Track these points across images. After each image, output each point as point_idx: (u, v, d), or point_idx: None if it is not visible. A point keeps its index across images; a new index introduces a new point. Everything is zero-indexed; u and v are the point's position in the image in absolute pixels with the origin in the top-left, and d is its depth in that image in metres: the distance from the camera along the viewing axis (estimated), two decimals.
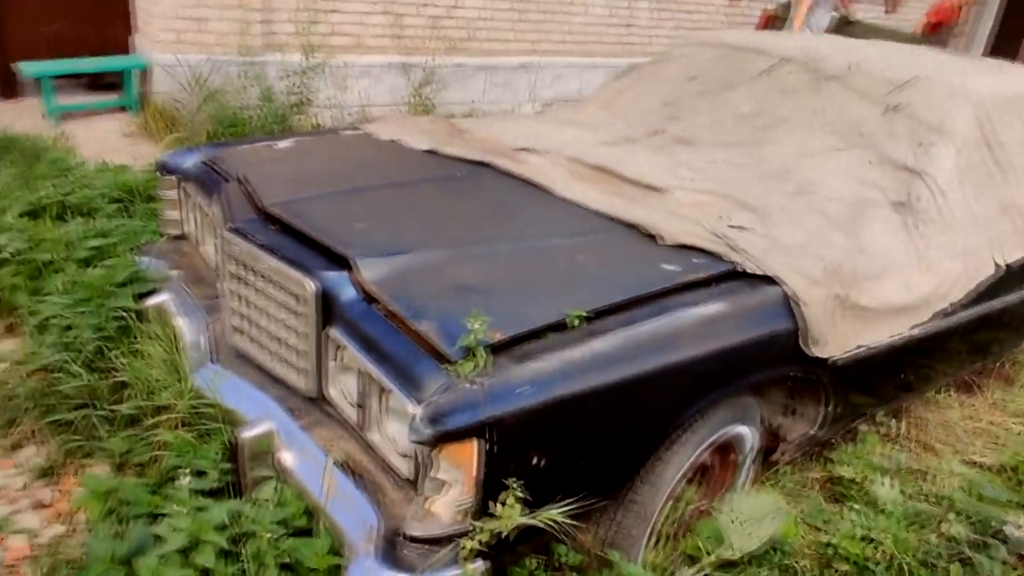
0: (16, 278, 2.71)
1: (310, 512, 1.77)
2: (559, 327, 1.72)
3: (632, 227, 2.21)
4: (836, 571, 2.16)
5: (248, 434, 1.86)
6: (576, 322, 1.73)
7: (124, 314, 2.37)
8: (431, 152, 2.79)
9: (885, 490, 2.35)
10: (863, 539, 2.20)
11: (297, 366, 2.02)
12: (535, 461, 1.62)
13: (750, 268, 2.05)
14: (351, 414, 1.88)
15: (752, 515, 1.94)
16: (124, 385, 2.30)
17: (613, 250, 2.09)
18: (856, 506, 2.36)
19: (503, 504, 1.54)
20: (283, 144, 2.92)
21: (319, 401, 2.01)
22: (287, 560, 1.66)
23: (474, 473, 1.55)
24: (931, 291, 2.38)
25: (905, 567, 2.11)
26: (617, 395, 1.70)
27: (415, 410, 1.58)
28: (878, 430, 2.79)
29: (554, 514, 1.59)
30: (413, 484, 1.69)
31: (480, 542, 1.54)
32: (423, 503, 1.61)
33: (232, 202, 2.27)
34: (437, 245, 2.00)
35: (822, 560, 2.20)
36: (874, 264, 2.27)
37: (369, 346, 1.76)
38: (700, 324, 1.86)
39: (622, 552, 1.94)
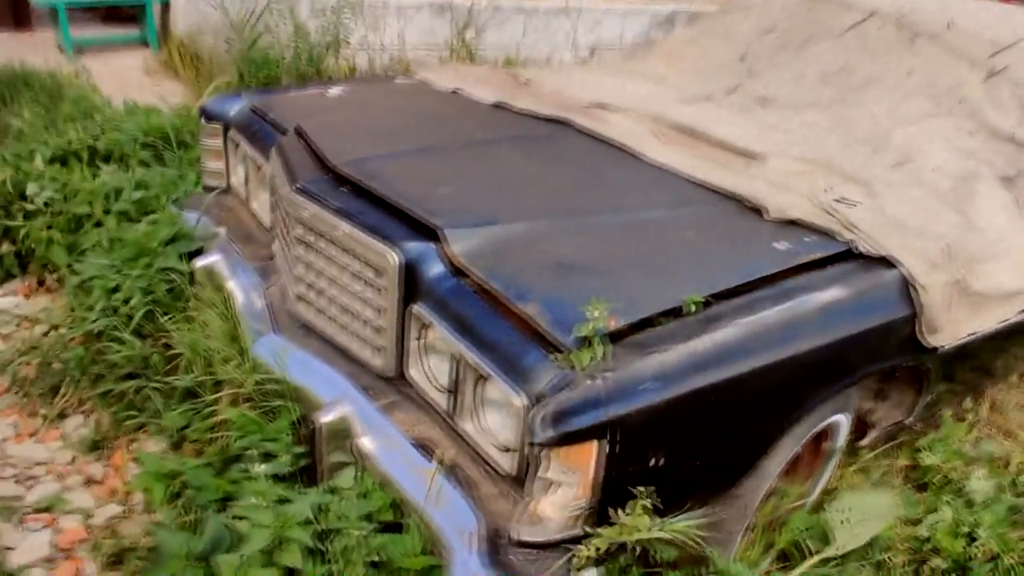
0: (50, 231, 2.53)
1: (396, 506, 1.63)
2: (675, 313, 1.56)
3: (733, 198, 2.03)
4: (933, 569, 2.04)
5: (327, 418, 1.70)
6: (693, 308, 1.56)
7: (174, 276, 2.20)
8: (499, 106, 2.58)
9: (980, 483, 2.22)
10: (961, 535, 2.07)
11: (373, 343, 1.87)
12: (653, 462, 1.47)
13: (866, 248, 1.87)
14: (438, 399, 1.72)
15: (865, 514, 1.81)
16: (175, 354, 2.14)
17: (719, 225, 1.91)
18: (948, 498, 2.23)
19: (626, 512, 1.39)
20: (335, 92, 2.71)
21: (395, 380, 1.86)
22: (376, 558, 1.52)
23: (591, 475, 1.40)
24: None
25: (1012, 567, 1.99)
26: (740, 389, 1.55)
27: (523, 403, 1.43)
28: (956, 414, 2.65)
29: (683, 526, 1.45)
30: (514, 481, 1.55)
31: (597, 549, 1.41)
32: (530, 504, 1.47)
33: (293, 158, 2.08)
34: (529, 215, 1.82)
35: (917, 556, 2.08)
36: (987, 245, 2.09)
37: (463, 327, 1.60)
38: (822, 311, 1.69)
39: (718, 547, 1.81)
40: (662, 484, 1.51)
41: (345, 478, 1.71)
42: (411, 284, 1.72)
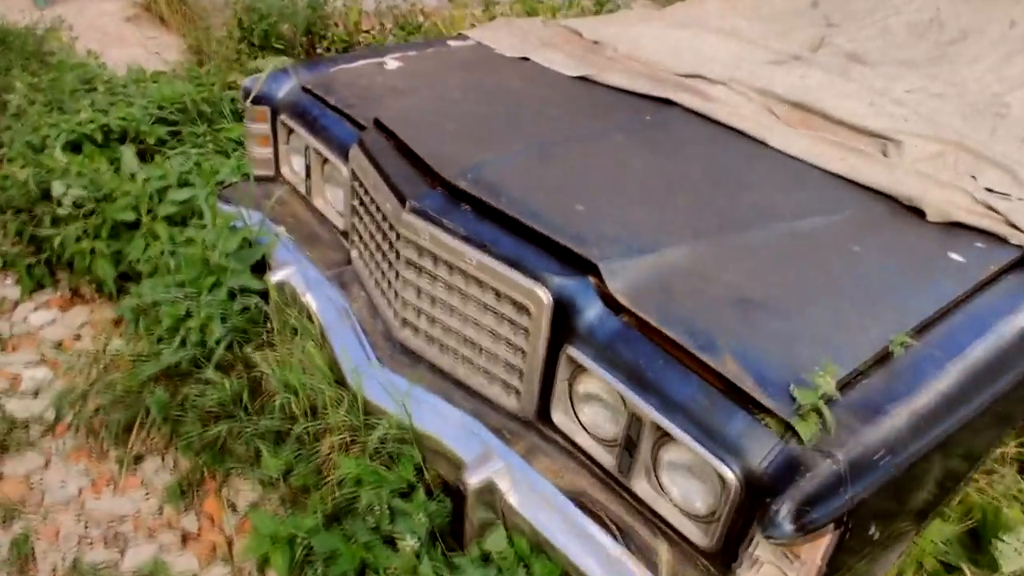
0: (90, 240, 2.22)
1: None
2: (883, 358, 1.38)
3: (882, 194, 1.83)
4: None
5: (476, 479, 1.52)
6: (901, 349, 1.39)
7: (252, 297, 1.94)
8: (585, 79, 2.30)
9: None
10: None
11: (508, 383, 1.67)
12: (875, 534, 1.33)
13: None
14: (597, 452, 1.55)
15: None
16: (259, 386, 1.91)
17: (882, 233, 1.71)
18: None
19: None
20: (393, 64, 2.41)
21: (532, 422, 1.67)
22: None
23: (819, 562, 1.25)
24: None
25: None
26: (956, 442, 1.40)
27: (734, 478, 1.26)
28: None
29: None
30: (708, 554, 1.39)
31: None
32: None
33: (389, 166, 1.81)
34: (684, 234, 1.60)
35: None
36: None
37: (638, 380, 1.40)
38: (1021, 337, 1.53)
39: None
40: (875, 549, 1.38)
41: (496, 541, 1.54)
42: (561, 324, 1.52)
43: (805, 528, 1.18)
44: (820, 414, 1.23)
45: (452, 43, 2.65)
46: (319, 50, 4.02)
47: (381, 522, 1.61)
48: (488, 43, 2.63)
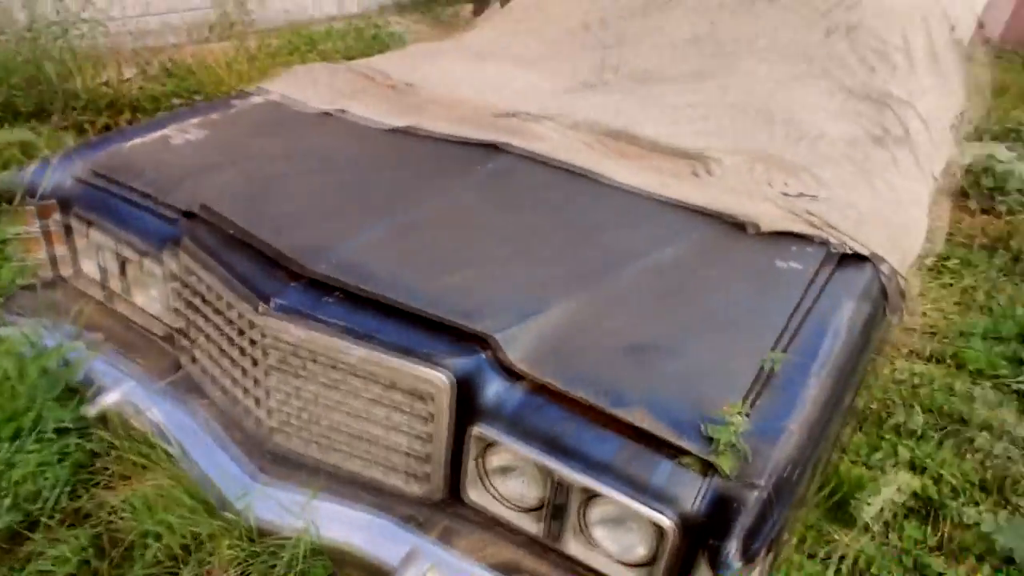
0: None
1: None
2: (764, 379, 1.50)
3: (714, 215, 1.98)
4: None
5: None
6: (778, 365, 1.52)
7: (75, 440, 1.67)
8: (408, 131, 2.25)
9: None
10: None
11: (410, 470, 1.59)
12: (788, 538, 1.45)
13: (851, 249, 1.93)
14: (521, 522, 1.52)
15: None
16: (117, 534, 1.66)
17: (722, 252, 1.86)
18: None
19: None
20: (195, 132, 2.18)
21: (442, 503, 1.61)
22: None
23: None
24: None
25: None
26: (836, 435, 1.56)
27: (671, 524, 1.31)
28: None
29: None
30: None
31: None
32: None
33: (231, 261, 1.64)
34: (556, 289, 1.62)
35: None
36: (910, 219, 2.26)
37: (554, 445, 1.41)
38: (863, 327, 1.74)
39: None
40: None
41: None
42: (464, 403, 1.47)
43: (751, 558, 1.25)
44: (736, 448, 1.32)
45: (253, 100, 2.45)
46: (76, 112, 3.54)
47: None
48: (293, 96, 2.47)
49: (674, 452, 1.35)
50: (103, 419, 1.75)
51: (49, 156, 2.02)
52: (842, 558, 1.95)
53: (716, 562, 1.25)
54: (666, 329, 1.57)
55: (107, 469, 1.70)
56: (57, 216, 1.99)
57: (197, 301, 1.73)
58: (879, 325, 1.90)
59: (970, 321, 3.09)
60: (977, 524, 2.14)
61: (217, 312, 1.67)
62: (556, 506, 1.45)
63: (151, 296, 1.94)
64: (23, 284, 2.07)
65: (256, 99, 2.46)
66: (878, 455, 2.33)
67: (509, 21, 3.31)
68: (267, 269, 1.62)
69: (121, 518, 1.60)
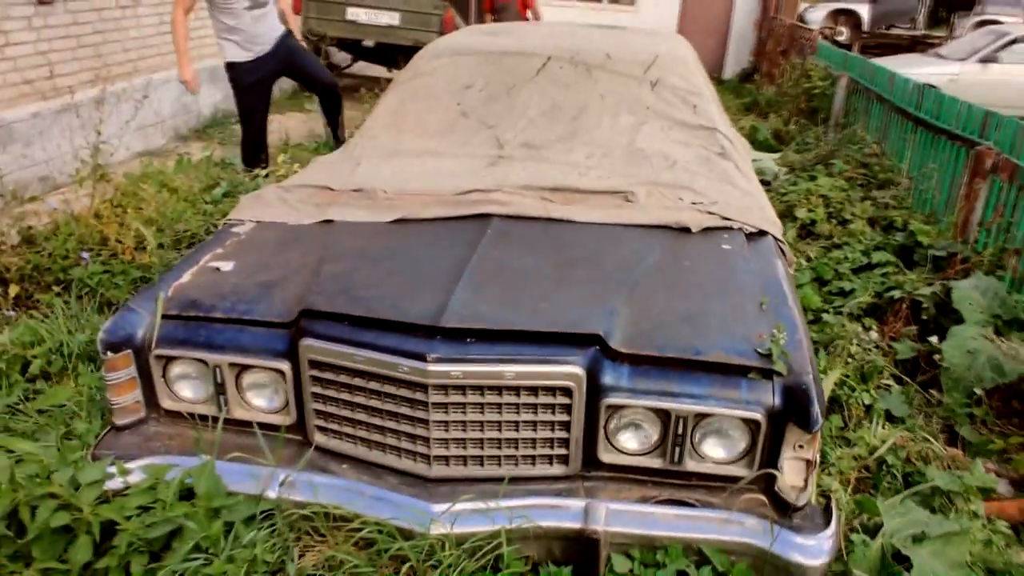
0: None
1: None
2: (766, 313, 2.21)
3: (666, 227, 2.70)
4: None
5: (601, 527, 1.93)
6: (766, 305, 2.24)
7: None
8: (404, 221, 2.72)
9: None
10: None
11: (552, 455, 2.08)
12: None
13: (749, 229, 2.75)
14: (647, 462, 2.08)
15: None
16: None
17: (686, 249, 2.57)
18: None
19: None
20: (222, 263, 2.46)
21: (573, 478, 2.11)
22: None
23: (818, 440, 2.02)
24: None
25: None
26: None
27: (763, 416, 1.96)
28: None
29: None
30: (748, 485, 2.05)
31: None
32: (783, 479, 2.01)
33: (367, 337, 2.04)
34: (610, 296, 2.21)
35: None
36: (766, 205, 3.16)
37: (665, 393, 2.00)
38: (788, 278, 2.53)
39: None
40: None
41: (622, 564, 1.96)
42: (591, 387, 2.01)
43: (821, 415, 1.93)
44: (784, 355, 2.00)
45: (245, 227, 2.75)
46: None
47: None
48: (273, 219, 2.81)
49: (744, 371, 2.01)
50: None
51: (120, 311, 2.23)
52: None
53: (807, 422, 1.91)
54: (693, 301, 2.24)
55: (299, 540, 1.98)
56: (131, 364, 2.20)
57: (342, 379, 2.08)
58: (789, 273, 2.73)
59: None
60: None
61: (371, 379, 2.04)
62: (675, 436, 2.03)
63: (265, 398, 2.22)
64: (120, 425, 2.22)
65: (247, 226, 2.77)
66: None
67: (389, 127, 3.82)
68: (399, 338, 2.04)
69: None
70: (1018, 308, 3.50)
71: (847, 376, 3.17)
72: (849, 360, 3.29)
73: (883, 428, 2.89)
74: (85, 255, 3.72)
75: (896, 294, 3.78)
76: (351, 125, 8.00)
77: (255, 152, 5.46)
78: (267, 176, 4.67)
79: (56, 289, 3.65)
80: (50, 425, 2.58)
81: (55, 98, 5.57)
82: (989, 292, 3.53)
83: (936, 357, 3.27)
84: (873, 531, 2.30)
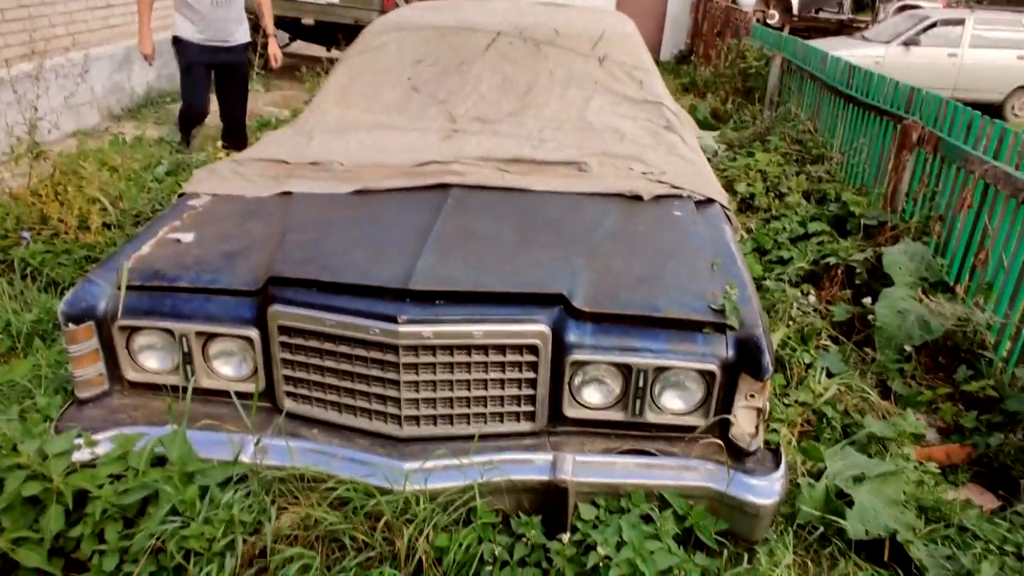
0: None
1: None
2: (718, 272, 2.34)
3: (617, 195, 2.80)
4: None
5: (568, 478, 2.02)
6: (717, 265, 2.36)
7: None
8: (362, 192, 2.74)
9: None
10: None
11: (520, 411, 2.17)
12: None
13: (697, 197, 2.88)
14: (610, 415, 2.18)
15: None
16: None
17: (640, 215, 2.67)
18: None
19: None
20: (182, 235, 2.45)
21: (543, 432, 2.20)
22: None
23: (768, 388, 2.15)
24: None
25: None
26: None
27: (718, 367, 2.08)
28: None
29: None
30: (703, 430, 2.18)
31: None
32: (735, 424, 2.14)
33: (336, 302, 2.08)
34: (572, 258, 2.30)
35: None
36: (711, 175, 3.29)
37: (626, 348, 2.10)
38: (734, 242, 2.66)
39: None
40: None
41: (588, 511, 2.07)
42: (556, 345, 2.10)
43: (771, 367, 2.06)
44: (737, 310, 2.12)
45: (202, 200, 2.74)
46: None
47: None
48: (230, 191, 2.80)
49: (700, 326, 2.12)
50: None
51: (78, 283, 2.21)
52: None
53: (758, 372, 2.04)
54: (649, 262, 2.34)
55: (273, 503, 2.02)
56: (93, 337, 2.19)
57: (312, 344, 2.11)
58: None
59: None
60: None
61: (341, 342, 2.08)
62: (636, 390, 2.14)
63: (233, 366, 2.24)
64: (83, 399, 2.21)
65: (203, 199, 2.75)
66: None
67: (340, 102, 3.81)
68: (369, 301, 2.08)
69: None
70: (943, 271, 3.74)
71: (789, 338, 3.34)
72: (790, 323, 3.46)
73: (822, 382, 3.07)
74: (26, 234, 3.62)
75: (831, 260, 3.99)
76: (292, 103, 7.91)
77: (187, 125, 5.51)
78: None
79: None
80: (5, 403, 2.53)
81: None
82: (917, 256, 3.76)
83: (869, 318, 3.48)
84: (816, 477, 2.47)
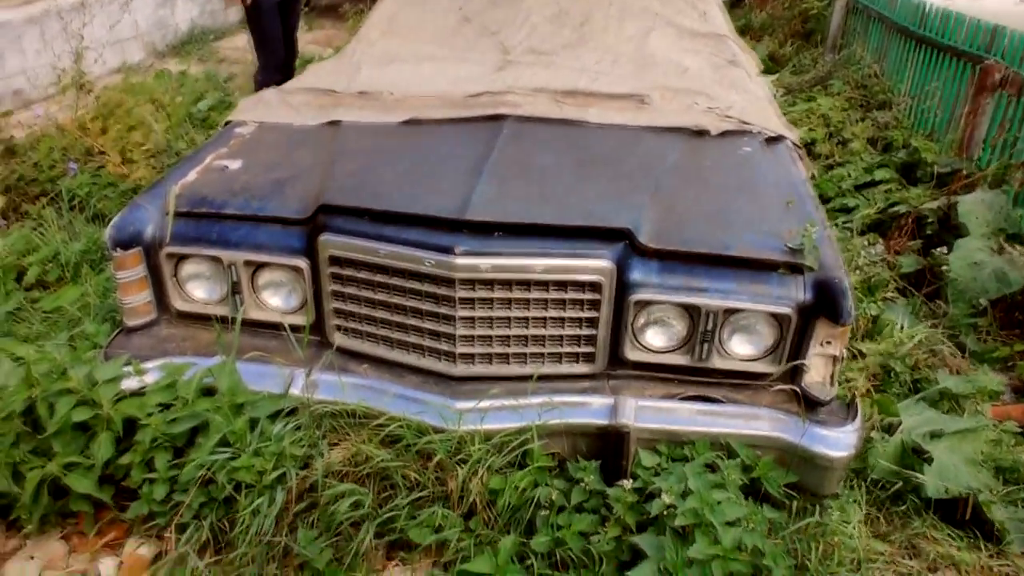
0: None
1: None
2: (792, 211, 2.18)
3: (680, 129, 2.63)
4: None
5: (631, 423, 1.92)
6: (792, 204, 2.20)
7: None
8: (414, 122, 2.62)
9: None
10: None
11: (578, 352, 2.06)
12: None
13: (767, 133, 2.69)
14: (674, 359, 2.06)
15: None
16: None
17: (706, 151, 2.51)
18: None
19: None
20: (230, 162, 2.37)
21: (602, 375, 2.10)
22: None
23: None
24: None
25: None
26: None
27: (793, 311, 1.94)
28: None
29: None
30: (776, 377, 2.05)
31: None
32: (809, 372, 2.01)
33: (391, 232, 1.98)
34: (636, 193, 2.16)
35: None
36: (777, 112, 3.09)
37: (693, 288, 1.97)
38: (806, 181, 2.48)
39: None
40: None
41: (649, 458, 1.97)
42: (620, 282, 1.97)
43: (852, 312, 1.91)
44: (815, 249, 1.97)
45: (248, 128, 2.65)
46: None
47: None
48: (277, 120, 2.70)
49: (774, 266, 1.98)
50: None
51: (125, 207, 2.14)
52: None
53: (837, 316, 1.90)
54: (718, 200, 2.19)
55: (324, 438, 1.96)
56: (141, 263, 2.13)
57: (363, 275, 2.02)
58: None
59: None
60: None
61: (394, 274, 1.98)
62: (702, 333, 2.01)
63: (281, 297, 2.17)
64: (131, 327, 2.16)
65: (249, 127, 2.66)
66: None
67: (388, 33, 3.66)
68: (424, 232, 1.98)
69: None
70: (1022, 221, 3.51)
71: (855, 287, 3.16)
72: (856, 273, 3.28)
73: (895, 335, 2.91)
74: (73, 165, 3.58)
75: (900, 209, 3.77)
76: (336, 42, 7.75)
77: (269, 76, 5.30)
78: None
79: (43, 201, 3.53)
80: (54, 331, 2.51)
81: (30, 3, 5.28)
82: (994, 206, 3.52)
83: (944, 268, 3.28)
84: (888, 432, 2.33)
